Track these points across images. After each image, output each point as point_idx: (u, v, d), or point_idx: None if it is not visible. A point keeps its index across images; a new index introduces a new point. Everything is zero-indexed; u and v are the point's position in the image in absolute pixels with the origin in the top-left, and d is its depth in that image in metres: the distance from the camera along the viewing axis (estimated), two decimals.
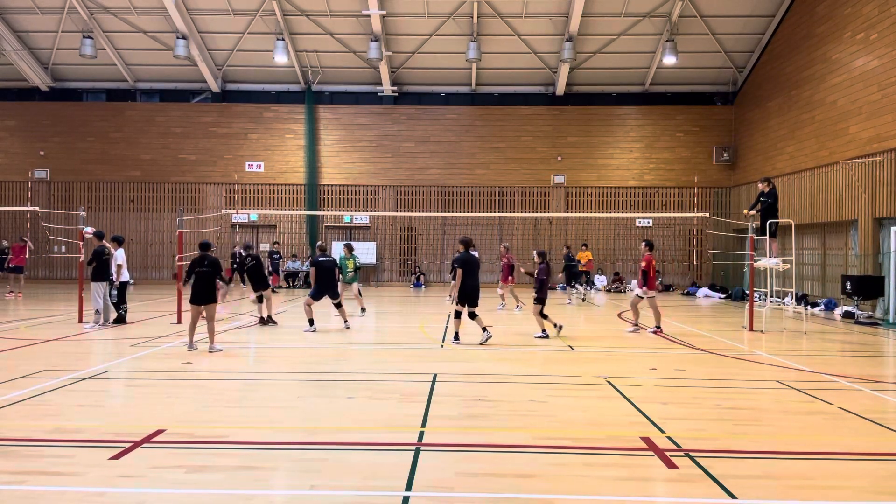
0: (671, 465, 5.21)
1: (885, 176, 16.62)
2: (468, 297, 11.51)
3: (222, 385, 8.13)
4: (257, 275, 14.22)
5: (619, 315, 16.90)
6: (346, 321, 13.43)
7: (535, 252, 12.84)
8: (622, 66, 25.88)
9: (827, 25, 19.40)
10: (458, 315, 11.65)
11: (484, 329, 11.50)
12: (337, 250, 18.71)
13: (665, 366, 9.57)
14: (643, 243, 13.79)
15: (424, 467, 5.12)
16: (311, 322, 12.91)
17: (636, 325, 13.50)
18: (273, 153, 27.41)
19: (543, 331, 12.30)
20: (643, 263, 13.48)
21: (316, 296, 12.97)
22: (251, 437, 5.90)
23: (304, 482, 4.82)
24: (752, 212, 14.27)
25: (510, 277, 17.37)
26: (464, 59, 24.49)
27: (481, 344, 11.22)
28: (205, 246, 10.72)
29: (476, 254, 13.16)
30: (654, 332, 13.04)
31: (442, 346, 11.29)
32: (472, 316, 11.61)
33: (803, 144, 20.70)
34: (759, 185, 14.34)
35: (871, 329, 14.62)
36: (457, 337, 11.59)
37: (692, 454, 5.46)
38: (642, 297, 13.44)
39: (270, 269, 22.55)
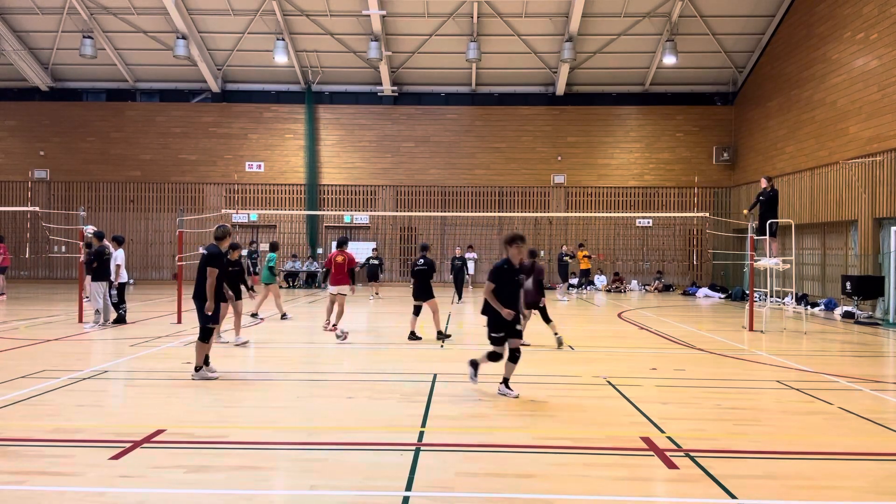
0: (671, 465, 5.20)
1: (885, 176, 16.62)
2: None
3: (222, 385, 8.12)
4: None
5: (619, 315, 16.90)
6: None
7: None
8: (622, 66, 25.89)
9: (827, 25, 19.40)
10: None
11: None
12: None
13: (665, 366, 9.57)
14: (342, 240, 13.12)
15: (424, 467, 5.11)
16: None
17: (334, 325, 12.71)
18: (273, 153, 27.41)
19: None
20: (343, 260, 12.82)
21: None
22: (251, 437, 5.90)
23: (304, 482, 4.82)
24: (752, 211, 14.37)
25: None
26: (464, 59, 24.49)
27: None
28: (233, 247, 11.53)
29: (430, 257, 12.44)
30: (332, 328, 12.57)
31: (442, 346, 11.29)
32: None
33: (803, 144, 20.70)
34: (762, 182, 14.45)
35: (871, 329, 14.62)
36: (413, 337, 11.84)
37: (692, 454, 5.46)
38: (345, 295, 12.84)
39: (249, 269, 22.30)
